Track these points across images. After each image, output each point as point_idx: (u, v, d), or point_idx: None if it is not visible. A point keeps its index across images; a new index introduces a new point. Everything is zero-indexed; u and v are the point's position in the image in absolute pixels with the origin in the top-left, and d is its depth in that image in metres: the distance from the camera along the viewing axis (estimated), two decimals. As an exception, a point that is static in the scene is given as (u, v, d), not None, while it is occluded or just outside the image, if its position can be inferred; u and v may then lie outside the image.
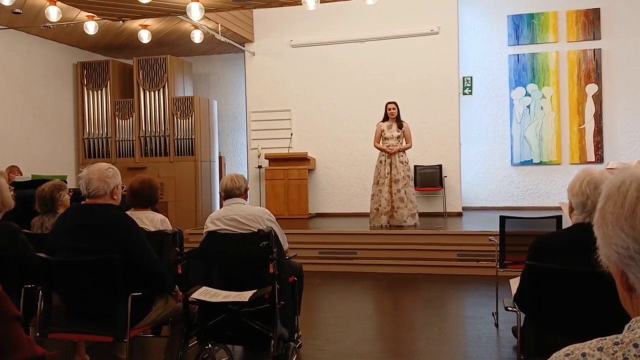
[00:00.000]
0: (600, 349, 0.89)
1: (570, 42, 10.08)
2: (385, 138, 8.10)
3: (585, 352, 0.89)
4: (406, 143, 8.09)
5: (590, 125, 10.05)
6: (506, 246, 4.56)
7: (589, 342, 0.92)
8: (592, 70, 10.02)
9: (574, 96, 10.10)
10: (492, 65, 10.40)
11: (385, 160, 8.08)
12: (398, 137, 8.06)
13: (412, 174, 8.25)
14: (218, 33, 9.34)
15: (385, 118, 8.16)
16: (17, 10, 8.10)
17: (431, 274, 6.87)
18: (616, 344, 0.88)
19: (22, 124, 9.31)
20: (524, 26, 10.27)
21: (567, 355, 0.91)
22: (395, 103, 8.12)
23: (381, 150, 8.11)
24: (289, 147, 10.35)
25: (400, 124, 8.07)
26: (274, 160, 10.16)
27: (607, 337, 0.91)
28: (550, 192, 10.10)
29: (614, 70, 9.93)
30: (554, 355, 0.93)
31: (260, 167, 10.44)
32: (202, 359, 3.49)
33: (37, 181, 6.30)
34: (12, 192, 3.35)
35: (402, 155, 8.07)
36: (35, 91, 9.65)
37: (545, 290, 2.42)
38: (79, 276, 2.95)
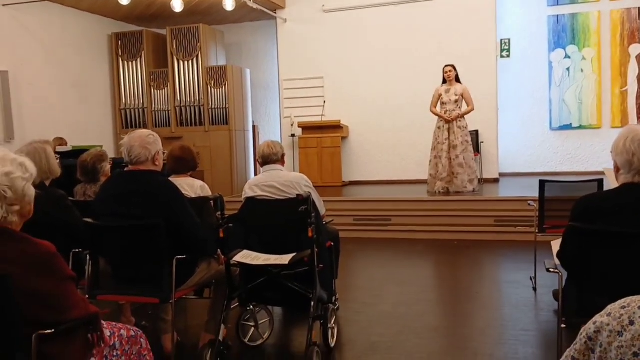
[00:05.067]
0: (656, 301, 0.88)
1: (613, 0, 9.68)
2: (443, 102, 7.98)
3: None
4: (468, 106, 7.95)
5: (633, 88, 9.72)
6: (546, 211, 4.50)
7: (644, 294, 0.91)
8: (636, 30, 9.63)
9: (616, 57, 9.75)
10: (530, 27, 10.08)
11: (443, 126, 7.98)
12: (456, 101, 7.92)
13: (470, 139, 8.12)
14: (250, 0, 9.28)
15: (443, 82, 8.04)
16: (52, -17, 8.20)
17: (467, 239, 6.84)
18: None
19: (60, 95, 9.50)
20: (565, -15, 9.90)
21: (622, 307, 0.91)
22: (452, 66, 7.97)
23: (438, 116, 8.00)
24: (322, 115, 10.32)
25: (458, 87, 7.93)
26: (307, 128, 10.16)
27: (664, 290, 0.90)
28: (590, 157, 9.87)
29: (659, 29, 9.53)
30: (609, 307, 0.93)
31: (293, 135, 10.46)
32: (244, 320, 3.59)
33: (78, 151, 6.45)
34: (58, 161, 3.44)
35: (460, 120, 7.94)
36: (72, 63, 9.80)
37: (590, 251, 2.39)
38: (125, 240, 3.04)
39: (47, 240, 1.83)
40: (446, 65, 8.02)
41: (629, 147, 2.29)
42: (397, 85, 9.91)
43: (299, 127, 10.27)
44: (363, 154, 10.34)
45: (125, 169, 3.19)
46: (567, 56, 9.98)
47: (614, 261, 2.36)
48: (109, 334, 2.07)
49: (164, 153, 3.17)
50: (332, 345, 3.44)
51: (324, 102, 10.38)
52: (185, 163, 3.74)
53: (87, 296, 3.10)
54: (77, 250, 3.27)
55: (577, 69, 9.95)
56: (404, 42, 9.93)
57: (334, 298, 3.85)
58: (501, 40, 10.10)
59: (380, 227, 7.46)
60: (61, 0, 9.29)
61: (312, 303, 3.10)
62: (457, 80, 7.98)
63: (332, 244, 3.87)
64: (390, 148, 10.10)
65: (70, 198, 3.77)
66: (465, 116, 8.02)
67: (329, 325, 3.40)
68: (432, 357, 3.41)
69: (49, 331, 1.75)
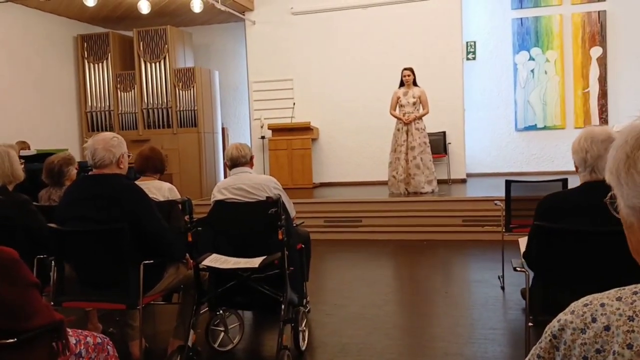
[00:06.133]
0: (618, 299, 0.89)
1: (575, 4, 9.93)
2: (402, 105, 8.05)
3: (604, 302, 0.90)
4: (423, 109, 8.04)
5: (594, 89, 9.97)
6: (512, 210, 4.58)
7: (607, 292, 0.93)
8: (596, 33, 9.89)
9: (578, 59, 9.99)
10: (495, 30, 10.27)
11: (402, 128, 8.05)
12: (414, 104, 7.99)
13: (428, 140, 8.20)
14: (217, 2, 9.22)
15: (401, 85, 8.10)
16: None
17: (436, 239, 6.92)
18: (635, 293, 0.89)
19: (24, 98, 9.27)
20: (528, -11, 10.11)
21: (585, 305, 0.92)
22: (410, 69, 8.03)
23: (397, 118, 8.07)
24: (291, 117, 10.30)
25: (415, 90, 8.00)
26: (277, 130, 10.14)
27: (626, 287, 0.91)
28: (554, 156, 10.08)
29: (618, 33, 9.80)
30: (572, 305, 0.94)
31: (263, 137, 10.42)
32: (213, 325, 3.55)
33: (42, 155, 6.30)
34: (22, 165, 3.36)
35: (418, 122, 8.02)
36: (36, 65, 9.58)
37: (555, 249, 2.44)
38: (90, 246, 2.98)
39: (9, 245, 1.78)
40: (405, 69, 8.08)
41: (582, 145, 2.38)
42: (366, 86, 9.96)
43: (268, 129, 10.23)
44: (333, 155, 10.37)
45: (90, 173, 3.13)
46: (531, 58, 10.18)
47: (578, 259, 2.41)
48: (74, 341, 2.02)
49: (129, 156, 3.12)
50: (303, 348, 3.43)
51: (294, 103, 10.37)
52: (153, 163, 3.69)
53: (51, 303, 3.03)
54: (41, 256, 3.20)
55: (541, 71, 10.16)
56: (372, 45, 9.99)
57: (304, 300, 3.85)
58: (467, 42, 10.25)
59: (351, 229, 7.48)
60: (24, 2, 9.07)
61: (283, 306, 3.09)
62: (415, 83, 8.06)
63: (303, 246, 3.86)
64: (360, 149, 10.15)
65: (35, 203, 3.68)
66: (426, 118, 8.12)
67: (300, 328, 3.39)
68: (402, 357, 3.43)
69: (11, 340, 1.70)
